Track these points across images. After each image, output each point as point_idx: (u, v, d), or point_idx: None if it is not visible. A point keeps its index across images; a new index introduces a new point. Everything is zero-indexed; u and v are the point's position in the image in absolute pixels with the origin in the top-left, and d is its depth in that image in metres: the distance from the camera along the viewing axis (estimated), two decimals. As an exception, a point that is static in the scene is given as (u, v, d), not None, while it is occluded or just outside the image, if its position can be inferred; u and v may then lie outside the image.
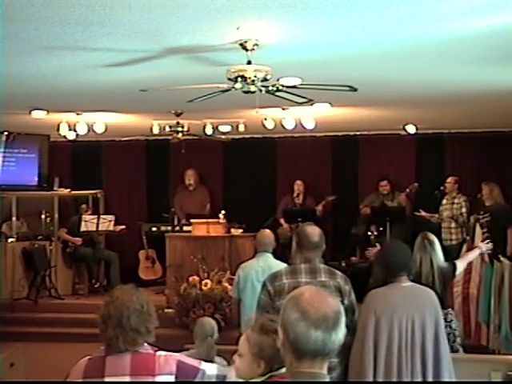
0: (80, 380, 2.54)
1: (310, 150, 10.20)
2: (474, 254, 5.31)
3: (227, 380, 2.73)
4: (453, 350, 4.41)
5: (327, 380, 1.84)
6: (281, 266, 5.04)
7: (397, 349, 3.56)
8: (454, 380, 3.66)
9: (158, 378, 2.52)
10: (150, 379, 2.52)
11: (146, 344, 2.61)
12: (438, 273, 4.52)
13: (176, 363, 2.58)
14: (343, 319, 1.81)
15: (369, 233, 8.77)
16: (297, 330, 1.77)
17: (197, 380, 2.62)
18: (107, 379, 2.50)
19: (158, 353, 2.61)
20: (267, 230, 5.50)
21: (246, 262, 5.54)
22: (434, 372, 3.55)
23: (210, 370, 2.68)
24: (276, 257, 5.48)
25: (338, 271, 3.80)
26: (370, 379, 3.53)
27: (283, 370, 2.20)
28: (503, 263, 6.33)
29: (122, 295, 2.57)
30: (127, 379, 2.50)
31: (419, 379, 3.52)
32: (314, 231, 3.73)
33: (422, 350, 3.56)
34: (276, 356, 2.29)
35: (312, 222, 4.12)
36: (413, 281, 3.83)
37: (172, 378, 2.56)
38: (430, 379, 3.53)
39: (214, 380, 2.68)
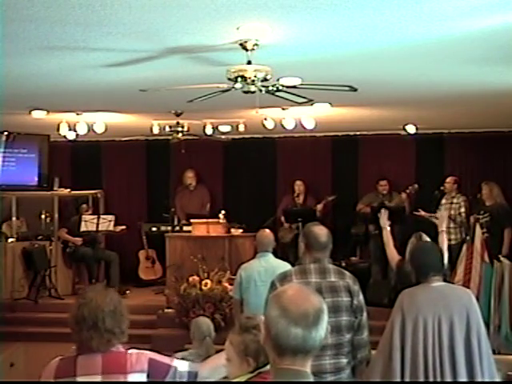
0: (52, 380, 2.56)
1: (310, 149, 10.20)
2: (443, 239, 5.02)
3: (199, 376, 2.74)
4: None
5: (310, 378, 1.85)
6: (282, 265, 5.08)
7: (422, 349, 3.52)
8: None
9: (130, 376, 2.53)
10: (121, 377, 2.52)
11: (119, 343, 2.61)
12: None
13: (148, 361, 2.59)
14: (325, 317, 1.84)
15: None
16: (277, 326, 1.79)
17: (169, 377, 2.63)
18: (79, 379, 2.51)
19: (130, 351, 2.61)
20: (267, 230, 5.50)
21: (247, 262, 5.53)
22: (468, 374, 3.48)
23: (182, 367, 2.69)
24: (277, 257, 5.48)
25: (346, 271, 3.80)
26: (398, 379, 3.52)
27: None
28: (503, 263, 6.34)
29: (96, 297, 2.58)
30: (99, 378, 2.51)
31: (448, 379, 3.49)
32: (321, 231, 3.73)
33: (450, 351, 3.50)
34: (261, 350, 2.33)
35: (318, 222, 4.11)
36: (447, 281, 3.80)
37: (144, 376, 2.56)
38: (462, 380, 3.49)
39: (185, 377, 2.69)
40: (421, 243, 4.49)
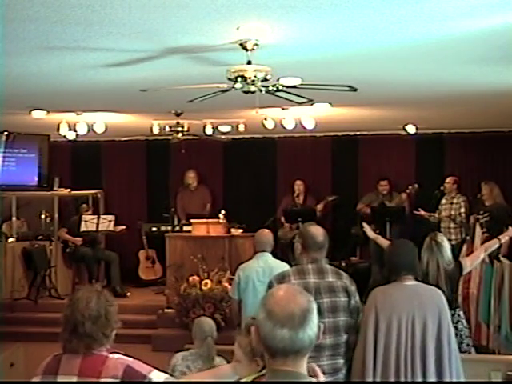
0: (39, 376, 2.60)
1: (310, 149, 10.21)
2: (493, 245, 5.06)
3: None
4: (460, 350, 4.40)
5: (304, 378, 1.85)
6: (281, 265, 5.08)
7: (395, 347, 3.56)
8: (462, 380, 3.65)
9: (102, 381, 2.53)
10: (94, 381, 2.53)
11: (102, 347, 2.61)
12: (445, 275, 4.52)
13: (124, 368, 2.56)
14: (313, 317, 1.82)
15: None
16: (264, 329, 1.80)
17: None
18: (59, 377, 2.55)
19: (111, 355, 2.60)
20: (266, 230, 5.50)
21: (246, 262, 5.53)
22: (437, 372, 3.53)
23: (158, 379, 2.65)
24: (277, 257, 5.48)
25: (342, 272, 3.81)
26: (370, 378, 3.54)
27: None
28: (503, 263, 6.34)
29: (80, 300, 2.58)
30: (74, 379, 2.53)
31: (419, 379, 3.52)
32: (317, 231, 3.73)
33: (422, 349, 3.55)
34: None
35: (313, 222, 4.12)
36: (420, 280, 3.82)
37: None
38: (431, 379, 3.52)
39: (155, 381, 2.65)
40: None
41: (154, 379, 2.60)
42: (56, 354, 2.65)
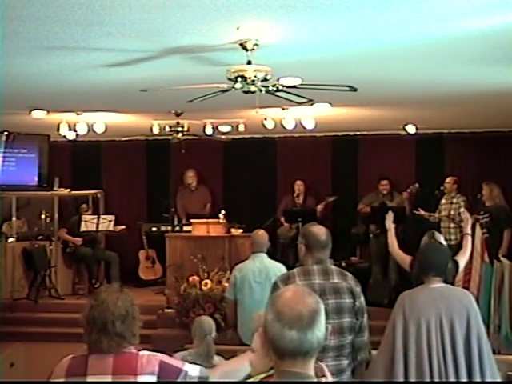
0: (62, 379, 2.56)
1: (310, 150, 10.21)
2: (468, 243, 5.01)
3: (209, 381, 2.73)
4: None
5: (312, 379, 1.85)
6: (277, 266, 5.12)
7: (426, 350, 3.53)
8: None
9: (140, 378, 2.53)
10: (131, 378, 2.52)
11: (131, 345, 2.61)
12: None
13: (159, 363, 2.58)
14: (321, 318, 1.82)
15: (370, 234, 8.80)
16: (273, 330, 1.80)
17: (179, 380, 2.61)
18: (89, 378, 2.52)
19: (141, 352, 2.60)
20: (261, 230, 5.52)
21: (242, 263, 5.55)
22: (468, 374, 3.51)
23: (193, 371, 2.66)
24: (276, 257, 5.50)
25: (348, 273, 3.79)
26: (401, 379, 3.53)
27: None
28: (503, 263, 6.33)
29: (107, 299, 2.57)
30: (109, 378, 2.51)
31: (452, 380, 3.51)
32: (320, 230, 3.71)
33: (453, 351, 3.53)
34: None
35: (315, 222, 4.09)
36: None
37: (154, 378, 2.55)
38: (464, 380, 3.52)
39: (196, 381, 2.66)
40: (432, 242, 4.48)
41: (189, 371, 2.63)
42: (74, 356, 2.61)
